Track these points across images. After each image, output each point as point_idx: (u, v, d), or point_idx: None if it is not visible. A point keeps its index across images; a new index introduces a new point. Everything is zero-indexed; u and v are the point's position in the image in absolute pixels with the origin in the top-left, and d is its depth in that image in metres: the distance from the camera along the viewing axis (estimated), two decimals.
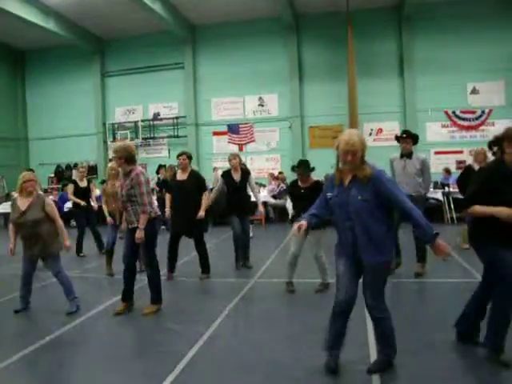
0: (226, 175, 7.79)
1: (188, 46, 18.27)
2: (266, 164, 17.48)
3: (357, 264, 3.54)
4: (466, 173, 8.24)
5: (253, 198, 8.21)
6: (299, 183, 6.31)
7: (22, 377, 3.90)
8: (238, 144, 17.93)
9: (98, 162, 19.38)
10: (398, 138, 6.78)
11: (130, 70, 18.73)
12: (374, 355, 3.84)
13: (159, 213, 5.60)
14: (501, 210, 3.48)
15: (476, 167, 8.17)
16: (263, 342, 4.37)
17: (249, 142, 17.83)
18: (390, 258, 3.57)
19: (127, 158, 5.23)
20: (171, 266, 7.10)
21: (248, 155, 17.68)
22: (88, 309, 5.55)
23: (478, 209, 3.63)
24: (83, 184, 9.78)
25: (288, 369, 3.77)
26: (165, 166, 14.27)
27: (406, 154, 6.58)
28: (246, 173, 7.92)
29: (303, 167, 6.23)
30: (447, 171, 14.58)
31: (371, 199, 3.40)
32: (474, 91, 16.49)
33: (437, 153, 16.16)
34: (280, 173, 15.77)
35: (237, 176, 7.73)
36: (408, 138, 6.64)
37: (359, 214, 3.43)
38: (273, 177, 14.82)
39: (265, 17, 17.24)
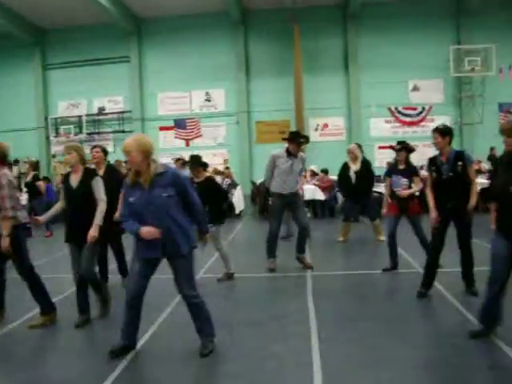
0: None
1: (133, 39, 17.89)
2: (213, 159, 17.33)
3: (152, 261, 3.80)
4: (343, 169, 8.97)
5: None
6: (194, 179, 6.32)
7: None
8: (185, 139, 17.73)
9: (40, 158, 18.70)
10: (290, 139, 6.71)
11: (74, 63, 18.10)
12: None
13: (25, 220, 4.89)
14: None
15: (351, 164, 8.77)
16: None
17: (195, 137, 17.66)
18: (193, 245, 3.83)
19: None
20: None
21: (195, 150, 17.49)
22: None
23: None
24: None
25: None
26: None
27: (295, 154, 6.68)
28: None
29: (191, 162, 6.33)
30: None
31: (173, 195, 3.66)
32: (415, 88, 17.00)
33: (380, 147, 16.47)
34: (226, 168, 15.69)
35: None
36: (302, 141, 6.76)
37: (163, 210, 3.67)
38: (216, 172, 14.68)
39: (212, 11, 17.08)
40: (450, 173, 5.00)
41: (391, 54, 16.71)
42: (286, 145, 6.77)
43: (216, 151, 17.56)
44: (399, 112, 16.96)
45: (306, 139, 6.87)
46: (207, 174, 6.39)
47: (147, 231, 3.58)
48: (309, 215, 13.81)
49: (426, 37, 16.71)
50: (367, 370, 3.49)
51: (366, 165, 8.95)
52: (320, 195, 13.44)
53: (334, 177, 12.01)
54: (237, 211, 14.25)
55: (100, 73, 17.92)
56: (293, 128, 16.80)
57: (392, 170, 6.68)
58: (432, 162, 5.23)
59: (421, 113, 16.95)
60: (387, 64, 16.72)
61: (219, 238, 6.29)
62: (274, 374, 3.52)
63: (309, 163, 15.35)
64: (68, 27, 17.84)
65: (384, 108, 17.00)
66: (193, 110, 17.73)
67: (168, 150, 17.19)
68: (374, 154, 15.88)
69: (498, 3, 16.31)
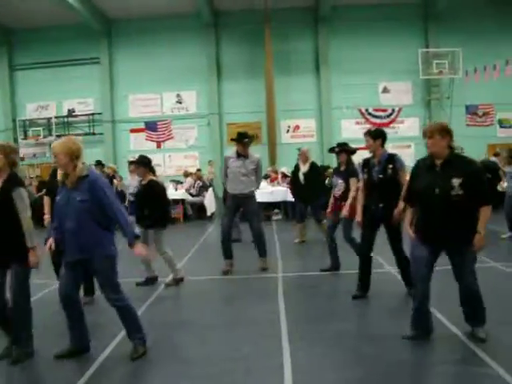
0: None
1: (104, 40, 17.65)
2: (184, 161, 17.28)
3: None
4: (294, 170, 9.24)
5: None
6: (142, 181, 6.31)
7: None
8: (156, 141, 17.59)
9: None
10: (236, 140, 6.82)
11: (42, 64, 17.72)
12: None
13: None
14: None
15: (301, 166, 8.95)
16: (177, 342, 4.21)
17: (167, 139, 17.53)
18: (111, 251, 3.80)
19: None
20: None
21: (166, 152, 17.42)
22: None
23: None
24: None
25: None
26: None
27: (243, 154, 6.78)
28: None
29: (136, 163, 6.30)
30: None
31: (89, 200, 3.66)
32: (386, 90, 17.24)
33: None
34: (198, 170, 15.61)
35: None
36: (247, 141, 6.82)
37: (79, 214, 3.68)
38: (187, 174, 14.65)
39: (184, 13, 16.96)
40: (380, 175, 5.02)
41: (361, 56, 16.88)
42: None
43: (187, 153, 17.48)
44: (370, 114, 17.17)
45: (250, 139, 6.85)
46: (151, 177, 6.22)
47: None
48: (280, 217, 13.89)
49: (395, 40, 16.97)
50: (338, 371, 3.51)
51: (315, 167, 9.08)
52: (291, 197, 13.44)
53: None
54: (208, 213, 14.19)
55: (70, 74, 17.61)
56: (264, 130, 16.91)
57: (335, 171, 6.83)
58: (365, 163, 5.26)
59: (391, 114, 17.19)
60: (358, 66, 16.89)
61: (162, 243, 6.14)
62: (244, 376, 3.49)
63: (280, 165, 15.52)
64: (36, 27, 17.46)
65: (355, 110, 17.19)
66: (164, 112, 17.61)
67: (139, 153, 16.83)
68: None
69: (464, 8, 16.66)
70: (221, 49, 17.46)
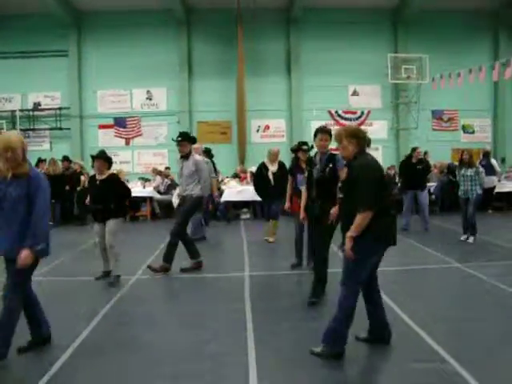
0: None
1: (73, 32, 17.21)
2: (153, 159, 17.08)
3: None
4: (261, 170, 9.28)
5: None
6: (97, 176, 6.28)
7: None
8: (125, 138, 17.33)
9: None
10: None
11: (6, 54, 17.15)
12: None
13: None
14: None
15: (269, 166, 9.10)
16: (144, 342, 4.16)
17: (136, 136, 17.28)
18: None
19: None
20: None
21: (135, 149, 17.20)
22: None
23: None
24: None
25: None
26: (45, 159, 13.55)
27: (184, 156, 6.86)
28: None
29: (96, 157, 6.26)
30: None
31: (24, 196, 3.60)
32: (355, 93, 17.48)
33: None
34: (167, 168, 15.46)
35: None
36: (184, 141, 6.84)
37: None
38: (156, 172, 14.47)
39: (156, 8, 16.76)
40: (320, 173, 5.13)
41: (332, 58, 17.08)
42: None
43: (157, 151, 17.28)
44: (339, 116, 17.37)
45: (181, 139, 6.83)
46: (111, 171, 6.32)
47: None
48: (248, 216, 13.90)
49: (366, 44, 17.23)
50: (303, 369, 3.54)
51: (284, 167, 9.16)
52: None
53: None
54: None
55: (36, 66, 17.11)
56: (234, 129, 16.88)
57: (296, 168, 6.88)
58: (310, 161, 5.38)
59: (360, 117, 17.44)
60: (328, 68, 17.08)
61: (115, 235, 6.12)
62: (209, 374, 3.48)
63: (250, 164, 15.52)
64: (0, 15, 16.94)
65: (325, 111, 17.35)
66: (133, 109, 17.34)
67: (107, 149, 16.34)
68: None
69: (433, 17, 17.06)
70: (192, 46, 17.32)
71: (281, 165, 9.18)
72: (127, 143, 17.29)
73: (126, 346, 4.02)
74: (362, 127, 17.16)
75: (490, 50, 17.85)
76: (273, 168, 9.09)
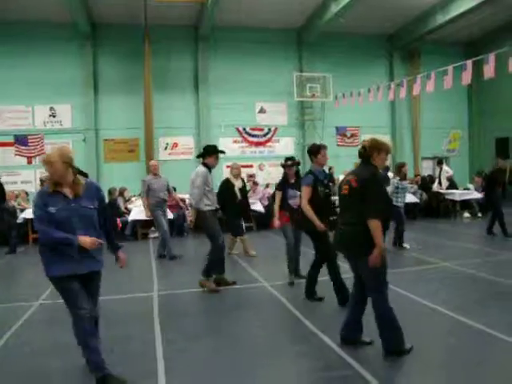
0: None
1: None
2: None
3: None
4: (227, 186, 9.12)
5: None
6: None
7: None
8: (27, 156, 16.57)
9: None
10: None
11: None
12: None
13: None
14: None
15: (233, 180, 9.09)
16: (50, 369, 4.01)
17: (39, 155, 16.54)
18: None
19: None
20: None
21: (38, 168, 16.47)
22: None
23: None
24: None
25: None
26: None
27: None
28: None
29: None
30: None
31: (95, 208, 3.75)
32: (262, 111, 17.95)
33: (228, 167, 16.95)
34: None
35: None
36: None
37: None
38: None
39: (59, 22, 16.06)
40: (327, 190, 5.84)
41: (240, 76, 17.45)
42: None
43: None
44: (247, 132, 17.75)
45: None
46: None
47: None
48: (157, 234, 13.71)
49: (272, 63, 17.79)
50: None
51: (245, 183, 9.45)
52: (169, 214, 13.43)
53: (181, 195, 12.14)
54: None
55: None
56: (142, 146, 16.70)
57: (284, 184, 7.02)
58: (320, 177, 5.79)
59: (267, 134, 17.92)
60: (236, 86, 17.42)
61: None
62: None
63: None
64: None
65: (233, 128, 17.66)
66: (36, 126, 16.64)
67: (8, 168, 15.91)
68: (222, 174, 16.25)
69: (333, 38, 17.95)
70: (98, 62, 16.93)
71: (243, 180, 9.39)
72: (29, 162, 16.52)
73: (33, 372, 3.90)
74: (270, 144, 17.78)
75: (386, 71, 19.14)
76: (238, 184, 9.09)
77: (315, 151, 5.78)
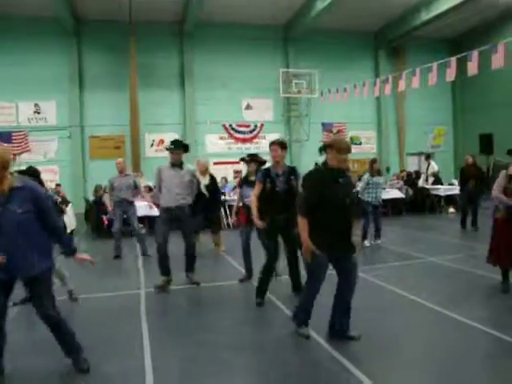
0: None
1: None
2: (43, 175, 16.21)
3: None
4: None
5: None
6: None
7: None
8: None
9: None
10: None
11: None
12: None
13: None
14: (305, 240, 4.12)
15: (201, 179, 8.53)
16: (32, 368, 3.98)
17: (23, 152, 16.42)
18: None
19: None
20: None
21: (22, 166, 16.23)
22: None
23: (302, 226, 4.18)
24: None
25: None
26: None
27: (176, 165, 6.46)
28: None
29: None
30: (225, 180, 15.49)
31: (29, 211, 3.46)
32: (248, 107, 17.98)
33: (216, 163, 16.96)
34: (58, 185, 14.87)
35: None
36: (178, 149, 6.48)
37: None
38: (46, 190, 13.85)
39: (43, 17, 15.91)
40: (285, 185, 5.34)
41: (226, 73, 17.47)
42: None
43: (46, 167, 16.48)
44: (233, 129, 17.77)
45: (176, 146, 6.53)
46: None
47: None
48: (144, 231, 13.70)
49: (258, 59, 17.83)
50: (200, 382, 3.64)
51: (214, 179, 9.12)
52: (155, 211, 13.38)
53: None
54: (68, 230, 13.51)
55: None
56: (128, 143, 16.62)
57: (244, 181, 6.88)
58: (267, 173, 5.46)
59: (253, 130, 17.97)
60: (222, 82, 17.45)
61: None
62: None
63: (144, 178, 15.33)
64: None
65: (219, 125, 17.66)
66: (20, 123, 16.47)
67: None
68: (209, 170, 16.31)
69: (319, 34, 18.03)
70: (83, 58, 16.81)
71: (212, 177, 8.99)
72: (13, 159, 16.26)
73: (20, 371, 3.84)
74: (256, 140, 17.80)
75: (372, 68, 19.29)
76: (204, 181, 8.64)
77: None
